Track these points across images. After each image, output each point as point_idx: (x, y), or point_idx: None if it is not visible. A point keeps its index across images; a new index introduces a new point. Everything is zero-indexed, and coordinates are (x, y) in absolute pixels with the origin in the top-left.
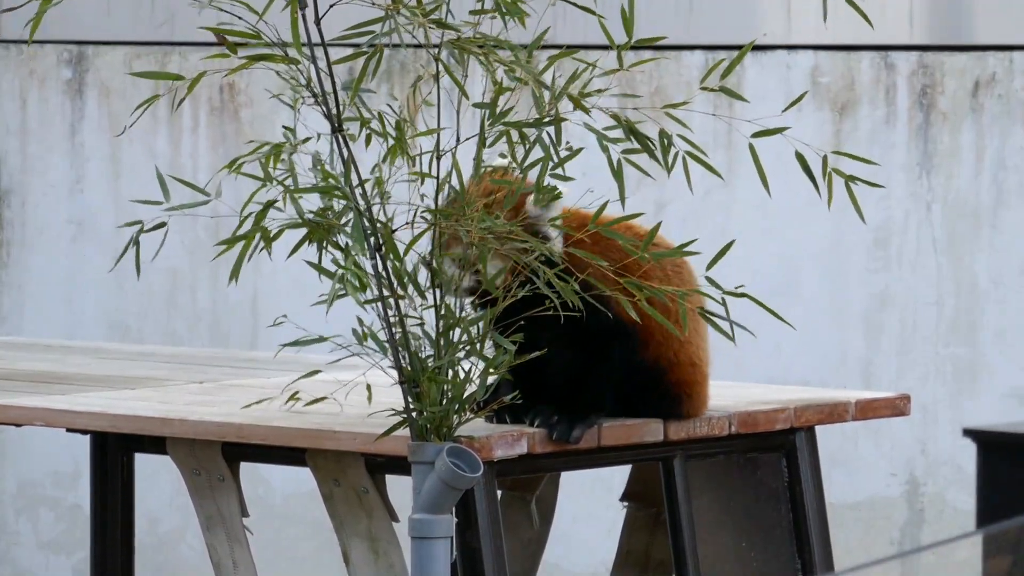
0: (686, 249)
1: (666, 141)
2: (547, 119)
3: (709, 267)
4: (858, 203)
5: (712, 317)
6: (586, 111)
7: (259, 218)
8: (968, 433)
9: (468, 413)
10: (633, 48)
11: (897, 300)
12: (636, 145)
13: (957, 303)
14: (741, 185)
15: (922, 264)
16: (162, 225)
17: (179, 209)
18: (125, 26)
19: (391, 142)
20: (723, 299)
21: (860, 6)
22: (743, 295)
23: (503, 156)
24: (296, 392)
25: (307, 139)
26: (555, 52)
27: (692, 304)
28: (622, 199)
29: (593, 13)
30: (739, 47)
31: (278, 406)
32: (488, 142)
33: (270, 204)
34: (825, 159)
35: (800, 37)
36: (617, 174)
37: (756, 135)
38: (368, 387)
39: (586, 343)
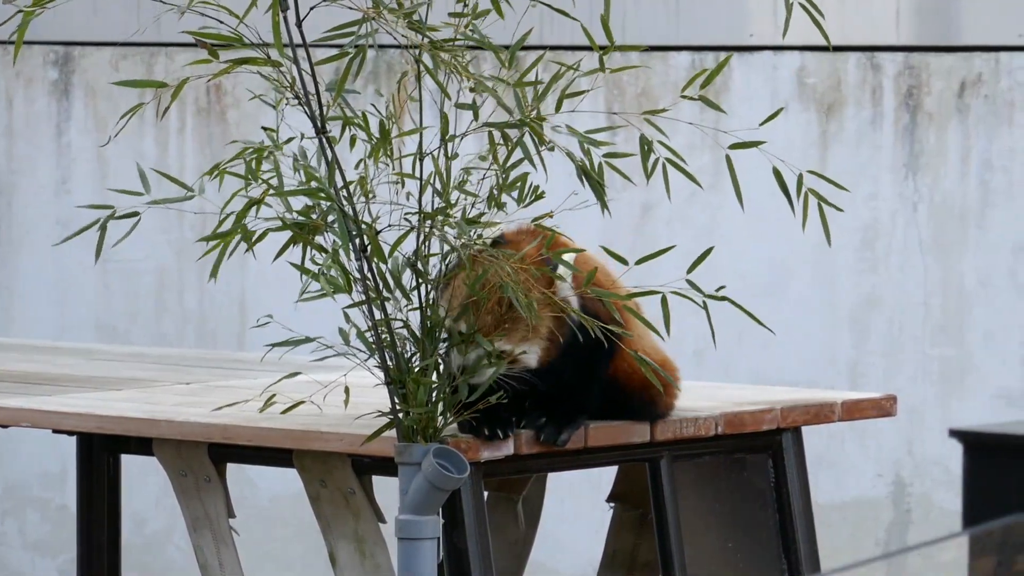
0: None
1: (646, 148)
2: (529, 120)
3: (690, 271)
4: (827, 226)
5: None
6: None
7: (240, 216)
8: (954, 434)
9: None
10: (620, 50)
11: (884, 301)
12: (619, 148)
13: (944, 304)
14: (728, 186)
15: (909, 265)
16: (134, 214)
17: (160, 203)
18: (111, 27)
19: (373, 142)
20: (704, 302)
21: (846, 6)
22: (723, 298)
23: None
24: (273, 395)
25: (290, 139)
26: (539, 53)
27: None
28: (602, 202)
29: (572, 17)
30: (726, 48)
31: (256, 408)
32: (462, 141)
33: (251, 203)
34: (800, 178)
35: (787, 38)
36: (598, 177)
37: (733, 147)
38: (347, 389)
39: (578, 359)
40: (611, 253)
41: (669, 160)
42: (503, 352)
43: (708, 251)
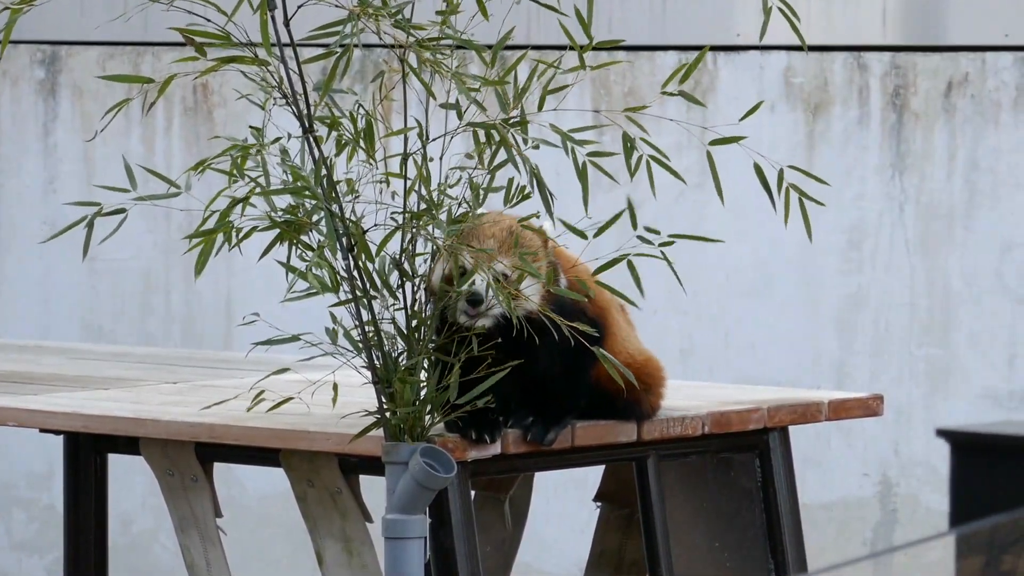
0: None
1: (629, 144)
2: (512, 120)
3: (634, 226)
4: (808, 221)
5: (617, 291)
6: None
7: (224, 215)
8: (941, 433)
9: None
10: (605, 49)
11: (870, 301)
12: (603, 148)
13: (930, 304)
14: (713, 186)
15: (895, 265)
16: (121, 211)
17: (147, 199)
18: (98, 26)
19: (359, 142)
20: (662, 252)
21: (833, 6)
22: (675, 236)
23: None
24: (261, 392)
25: (277, 139)
26: (523, 52)
27: (610, 306)
28: (585, 201)
29: (556, 10)
30: (712, 48)
31: (246, 406)
32: (451, 140)
33: (236, 201)
34: (781, 172)
35: (773, 38)
36: (582, 176)
37: (714, 143)
38: (335, 387)
39: (567, 358)
40: (569, 227)
41: (653, 157)
42: (506, 276)
43: (630, 203)
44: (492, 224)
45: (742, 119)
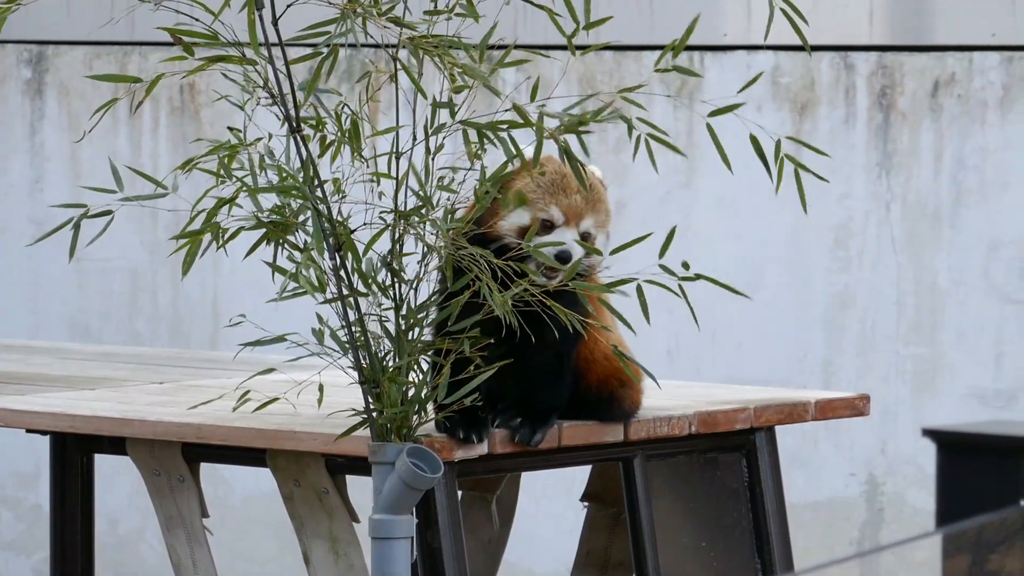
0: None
1: (628, 123)
2: (508, 121)
3: (661, 255)
4: (804, 194)
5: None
6: (528, 123)
7: (211, 215)
8: (927, 433)
9: (427, 414)
10: (596, 49)
11: (857, 300)
12: (593, 141)
13: (917, 303)
14: (702, 185)
15: (882, 264)
16: (108, 213)
17: (134, 200)
18: (85, 26)
19: (344, 138)
20: (680, 285)
21: (820, 6)
22: (698, 277)
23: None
24: (247, 392)
25: (258, 139)
26: (512, 50)
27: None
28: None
29: (544, 8)
30: (699, 48)
31: (232, 407)
32: (442, 140)
33: (223, 202)
34: (778, 143)
35: (760, 37)
36: (574, 168)
37: (713, 114)
38: (320, 387)
39: (557, 349)
40: (586, 246)
41: (651, 135)
42: (587, 235)
43: (673, 231)
44: (572, 176)
45: (741, 91)
